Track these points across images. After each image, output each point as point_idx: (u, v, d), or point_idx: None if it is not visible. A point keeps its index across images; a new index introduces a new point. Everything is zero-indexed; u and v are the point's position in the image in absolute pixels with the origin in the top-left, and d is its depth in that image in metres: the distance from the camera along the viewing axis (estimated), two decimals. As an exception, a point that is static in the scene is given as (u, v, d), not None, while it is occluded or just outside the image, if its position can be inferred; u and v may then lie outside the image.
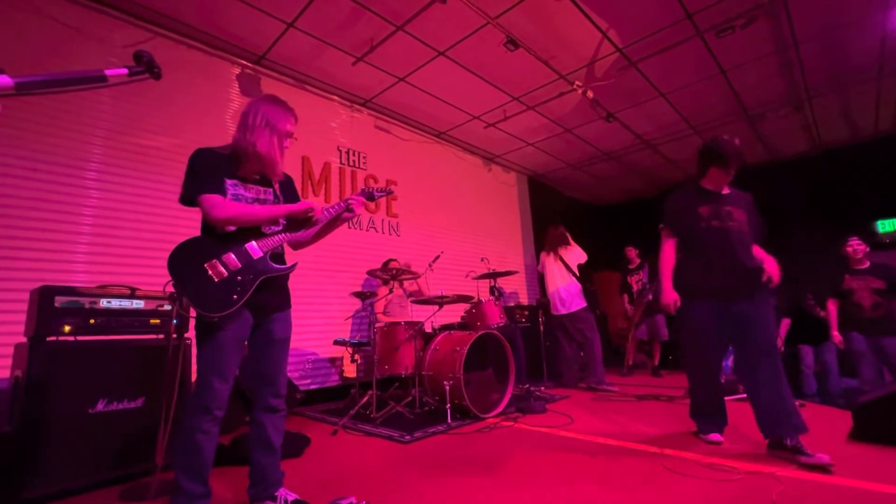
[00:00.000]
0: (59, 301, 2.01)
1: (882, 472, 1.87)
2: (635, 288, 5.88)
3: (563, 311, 4.61)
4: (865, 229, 5.84)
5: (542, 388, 4.39)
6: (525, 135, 5.84)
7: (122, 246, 3.08)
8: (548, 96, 4.84)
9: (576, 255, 4.77)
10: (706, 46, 4.07)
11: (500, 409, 3.29)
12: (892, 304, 3.62)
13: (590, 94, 4.59)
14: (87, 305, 2.09)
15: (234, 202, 1.63)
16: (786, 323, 4.50)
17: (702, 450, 2.28)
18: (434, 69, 4.28)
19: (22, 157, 2.81)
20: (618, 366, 5.93)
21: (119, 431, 2.08)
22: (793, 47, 4.13)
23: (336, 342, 3.90)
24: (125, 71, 0.98)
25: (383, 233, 4.94)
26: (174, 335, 2.18)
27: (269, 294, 1.73)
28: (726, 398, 3.43)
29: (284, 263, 1.80)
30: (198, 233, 1.69)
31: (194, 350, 1.73)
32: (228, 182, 1.68)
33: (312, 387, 4.01)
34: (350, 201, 1.88)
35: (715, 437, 2.40)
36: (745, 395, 2.37)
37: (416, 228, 5.31)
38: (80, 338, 2.05)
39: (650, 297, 5.70)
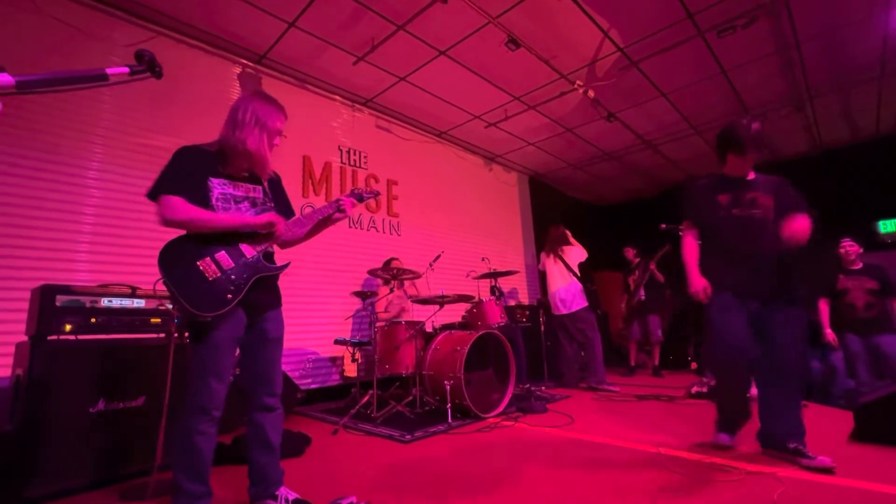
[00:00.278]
0: (60, 300, 2.01)
1: (883, 473, 1.87)
2: (633, 287, 5.89)
3: (564, 311, 4.61)
4: (866, 229, 5.84)
5: (543, 387, 4.39)
6: (526, 134, 5.84)
7: (124, 245, 3.09)
8: (549, 96, 4.84)
9: (576, 254, 4.76)
10: (707, 46, 4.07)
11: (500, 408, 3.29)
12: (885, 304, 3.65)
13: (591, 93, 4.59)
14: (88, 304, 2.09)
15: (193, 207, 1.57)
16: (824, 307, 4.00)
17: (702, 450, 2.28)
18: (435, 69, 4.28)
19: (24, 156, 2.81)
20: (619, 366, 5.93)
21: (120, 430, 2.08)
22: (794, 47, 4.12)
23: (337, 341, 3.90)
24: (126, 70, 0.98)
25: (384, 232, 4.94)
26: (175, 334, 2.18)
27: (262, 293, 1.71)
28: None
29: (274, 262, 1.78)
30: None
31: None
32: (215, 181, 1.66)
33: (313, 386, 4.01)
34: (342, 202, 1.86)
35: (724, 438, 2.28)
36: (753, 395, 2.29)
37: (417, 228, 5.31)
38: (81, 337, 2.05)
39: (642, 296, 5.70)
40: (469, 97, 4.86)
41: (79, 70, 0.89)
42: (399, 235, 5.08)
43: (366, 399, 3.36)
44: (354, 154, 4.83)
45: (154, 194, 1.57)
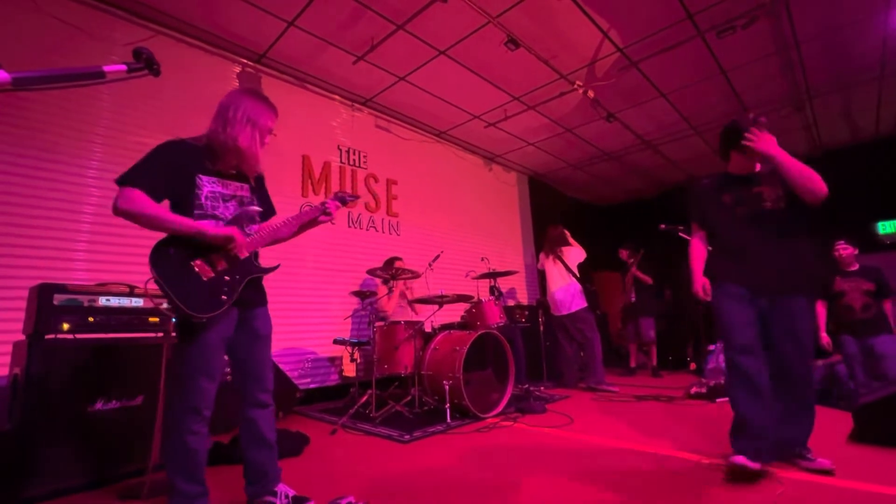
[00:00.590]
0: (58, 299, 2.01)
1: (882, 474, 1.87)
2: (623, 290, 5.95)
3: (564, 312, 4.60)
4: (865, 231, 5.84)
5: (542, 388, 4.39)
6: (526, 134, 5.83)
7: (123, 244, 3.08)
8: (548, 96, 4.83)
9: (575, 254, 4.76)
10: (707, 47, 4.07)
11: (499, 408, 3.29)
12: (882, 306, 3.67)
13: (590, 93, 4.59)
14: (85, 303, 2.08)
15: (151, 203, 1.51)
16: (821, 309, 3.96)
17: (702, 451, 2.27)
18: (435, 68, 4.28)
19: (23, 154, 2.81)
20: (618, 366, 5.93)
21: (118, 430, 2.07)
22: (794, 47, 4.12)
23: (336, 341, 3.90)
24: (124, 67, 0.98)
25: (383, 232, 4.94)
26: (173, 333, 2.18)
27: (252, 292, 1.71)
28: (719, 399, 3.47)
29: (259, 262, 1.78)
30: None
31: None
32: (204, 178, 1.64)
33: (312, 386, 4.00)
34: (327, 206, 1.86)
35: (741, 460, 1.84)
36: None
37: (416, 228, 5.31)
38: (78, 336, 2.05)
39: (633, 297, 5.73)
40: (469, 97, 4.86)
41: (75, 67, 0.88)
42: (398, 235, 5.08)
43: (364, 399, 3.35)
44: (354, 154, 4.82)
45: (120, 181, 1.53)
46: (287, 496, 1.69)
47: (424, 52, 4.04)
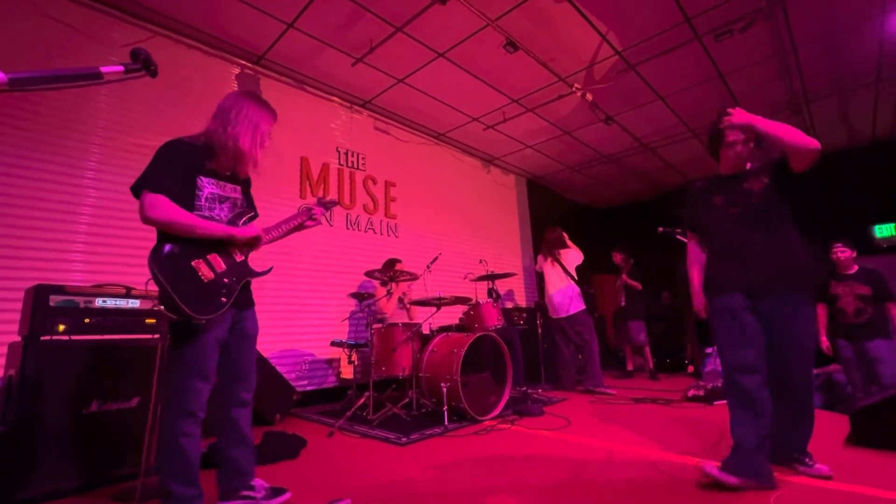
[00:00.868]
0: (54, 300, 2.00)
1: (879, 477, 1.87)
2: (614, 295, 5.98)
3: (562, 314, 4.60)
4: (862, 234, 5.85)
5: (540, 390, 4.39)
6: (524, 137, 5.85)
7: (120, 245, 3.07)
8: (547, 99, 4.84)
9: (573, 256, 4.77)
10: (705, 50, 4.09)
11: (497, 411, 3.28)
12: (877, 310, 3.56)
13: (589, 96, 4.60)
14: (81, 305, 2.07)
15: (178, 209, 1.53)
16: (822, 313, 3.87)
17: (700, 454, 2.27)
18: (433, 71, 4.28)
19: (20, 155, 2.80)
20: (616, 368, 5.93)
21: (113, 432, 2.06)
22: (791, 51, 4.14)
23: (333, 343, 3.89)
24: (121, 68, 0.98)
25: (381, 234, 4.94)
26: (169, 335, 2.17)
27: (244, 294, 1.75)
28: (717, 402, 3.47)
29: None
30: None
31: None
32: (205, 180, 1.65)
33: (309, 388, 3.99)
34: (314, 212, 1.89)
35: (717, 473, 1.78)
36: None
37: (415, 230, 5.31)
38: (74, 337, 2.04)
39: (623, 302, 5.76)
40: (467, 99, 4.86)
41: (72, 68, 0.88)
42: (397, 237, 5.08)
43: (362, 401, 3.34)
44: (352, 155, 4.82)
45: (138, 189, 1.53)
46: (266, 487, 1.73)
47: (423, 55, 4.05)
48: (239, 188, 1.80)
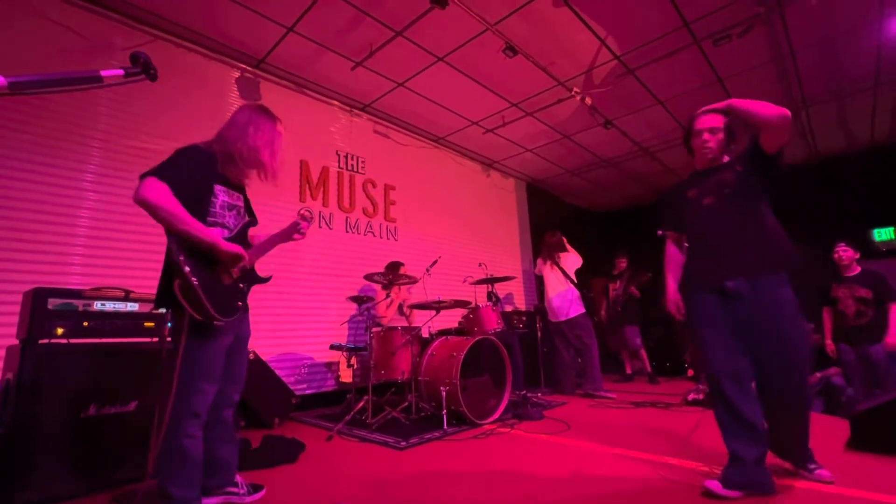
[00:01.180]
0: (53, 303, 1.99)
1: (879, 482, 1.86)
2: (611, 296, 5.96)
3: (562, 318, 4.60)
4: (861, 238, 5.86)
5: (540, 394, 4.38)
6: (524, 141, 5.86)
7: (119, 249, 3.07)
8: (546, 102, 4.86)
9: (572, 260, 4.77)
10: (703, 55, 4.10)
11: (496, 415, 3.28)
12: (878, 312, 3.50)
13: (588, 100, 4.61)
14: (80, 308, 2.07)
15: (175, 201, 1.49)
16: (827, 316, 3.82)
17: (699, 458, 2.26)
18: (433, 75, 4.30)
19: (20, 158, 2.80)
20: (615, 372, 5.92)
21: (111, 435, 2.05)
22: (789, 56, 4.16)
23: (332, 347, 3.88)
24: (121, 72, 0.98)
25: (381, 237, 4.94)
26: (168, 338, 2.17)
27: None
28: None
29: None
30: None
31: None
32: (219, 188, 1.68)
33: (308, 392, 3.98)
34: (301, 226, 1.89)
35: (715, 486, 1.75)
36: None
37: (414, 233, 5.31)
38: (72, 340, 2.03)
39: (619, 308, 5.76)
40: (467, 103, 4.88)
41: (73, 71, 0.88)
42: (396, 240, 5.08)
43: (361, 405, 3.33)
44: (352, 159, 4.83)
45: (146, 174, 1.51)
46: (246, 484, 1.80)
47: (423, 59, 4.06)
48: (242, 197, 1.84)
